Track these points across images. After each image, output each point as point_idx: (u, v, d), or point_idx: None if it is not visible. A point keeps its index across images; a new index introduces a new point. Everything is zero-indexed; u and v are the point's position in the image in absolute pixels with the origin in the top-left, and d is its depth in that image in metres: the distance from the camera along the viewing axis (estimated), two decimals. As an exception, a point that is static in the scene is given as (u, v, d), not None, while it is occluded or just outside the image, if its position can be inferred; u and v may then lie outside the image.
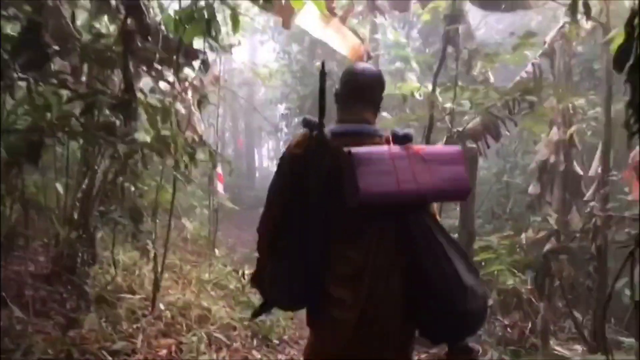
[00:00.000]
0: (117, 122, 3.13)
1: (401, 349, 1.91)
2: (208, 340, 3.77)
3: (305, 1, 4.30)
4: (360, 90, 1.98)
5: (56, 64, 3.51)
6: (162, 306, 4.03)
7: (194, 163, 3.68)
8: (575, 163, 5.58)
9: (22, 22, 3.01)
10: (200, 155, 4.17)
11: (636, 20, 2.06)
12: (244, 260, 7.00)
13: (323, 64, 1.85)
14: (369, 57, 5.26)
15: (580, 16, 3.91)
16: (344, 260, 1.84)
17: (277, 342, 4.45)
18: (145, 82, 3.97)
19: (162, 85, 4.09)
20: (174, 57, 3.14)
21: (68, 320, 3.47)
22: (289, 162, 1.93)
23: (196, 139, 4.46)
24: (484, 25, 10.87)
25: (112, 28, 3.69)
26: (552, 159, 5.49)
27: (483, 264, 5.40)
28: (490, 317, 5.00)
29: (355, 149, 1.75)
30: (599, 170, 4.94)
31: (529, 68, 5.04)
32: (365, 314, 1.80)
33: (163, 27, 3.63)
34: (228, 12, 3.68)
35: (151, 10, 3.57)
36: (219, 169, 6.87)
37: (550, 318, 4.84)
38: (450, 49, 4.87)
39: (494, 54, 5.24)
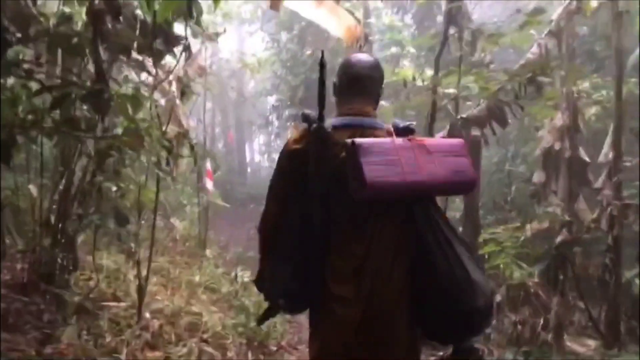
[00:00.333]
0: (89, 116, 2.81)
1: (409, 348, 1.84)
2: (199, 352, 3.47)
3: (295, -21, 3.99)
4: (360, 82, 1.94)
5: (26, 54, 3.23)
6: (148, 315, 3.74)
7: (174, 158, 3.38)
8: (581, 149, 5.34)
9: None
10: (185, 150, 3.90)
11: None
12: (237, 260, 6.74)
13: (322, 54, 1.81)
14: (366, 41, 4.92)
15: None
16: (345, 255, 1.80)
17: (274, 348, 4.18)
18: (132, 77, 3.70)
19: (144, 76, 3.81)
20: (150, 39, 2.80)
21: (44, 335, 3.21)
22: (288, 158, 1.89)
23: (182, 133, 4.18)
24: (478, 9, 10.65)
25: (83, 12, 3.35)
26: (557, 146, 5.27)
27: (487, 257, 5.18)
28: (499, 314, 4.75)
29: (358, 140, 1.71)
30: (610, 157, 4.68)
31: (535, 49, 4.74)
32: (369, 309, 1.76)
33: (139, 12, 3.34)
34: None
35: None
36: (208, 165, 6.54)
37: (562, 314, 4.58)
38: (452, 30, 4.56)
39: (498, 35, 4.92)
